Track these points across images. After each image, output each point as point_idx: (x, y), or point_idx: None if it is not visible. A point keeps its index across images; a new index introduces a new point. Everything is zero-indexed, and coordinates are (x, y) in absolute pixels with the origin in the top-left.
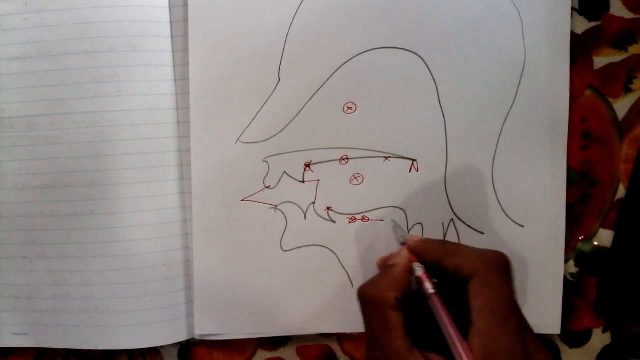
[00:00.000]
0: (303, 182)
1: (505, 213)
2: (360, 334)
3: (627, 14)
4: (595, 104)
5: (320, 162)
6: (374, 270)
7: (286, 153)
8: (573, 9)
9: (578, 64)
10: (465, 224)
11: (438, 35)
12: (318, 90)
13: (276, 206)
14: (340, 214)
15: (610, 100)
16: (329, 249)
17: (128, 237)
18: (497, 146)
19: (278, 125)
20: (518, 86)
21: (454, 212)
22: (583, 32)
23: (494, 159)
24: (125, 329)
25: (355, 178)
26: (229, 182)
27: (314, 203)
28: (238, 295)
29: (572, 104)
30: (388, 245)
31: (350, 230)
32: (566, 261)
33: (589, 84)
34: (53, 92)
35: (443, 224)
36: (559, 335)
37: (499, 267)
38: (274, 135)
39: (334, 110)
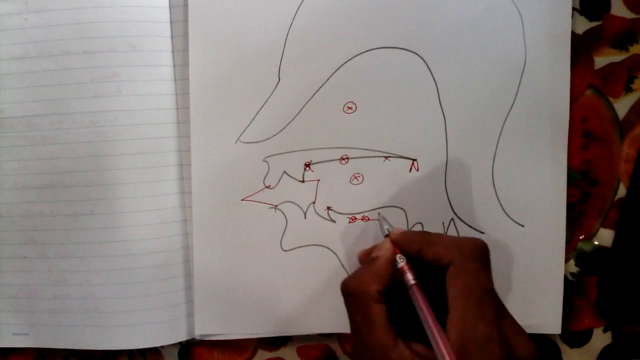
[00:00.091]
0: (303, 181)
1: (505, 212)
2: None
3: (628, 14)
4: (595, 104)
5: (320, 162)
6: None
7: (286, 153)
8: (574, 8)
9: (579, 63)
10: (465, 223)
11: (438, 35)
12: (318, 90)
13: (276, 206)
14: (341, 213)
15: (611, 99)
16: (329, 248)
17: (128, 237)
18: (497, 146)
19: (278, 125)
20: (518, 86)
21: (454, 211)
22: (584, 32)
23: (494, 159)
24: (125, 329)
25: (355, 178)
26: (229, 181)
27: (314, 203)
28: (238, 295)
29: (572, 104)
30: None
31: (350, 230)
32: (566, 261)
33: (589, 84)
34: (53, 92)
35: (443, 223)
36: (559, 335)
37: (476, 254)
38: (274, 135)
39: (334, 110)
